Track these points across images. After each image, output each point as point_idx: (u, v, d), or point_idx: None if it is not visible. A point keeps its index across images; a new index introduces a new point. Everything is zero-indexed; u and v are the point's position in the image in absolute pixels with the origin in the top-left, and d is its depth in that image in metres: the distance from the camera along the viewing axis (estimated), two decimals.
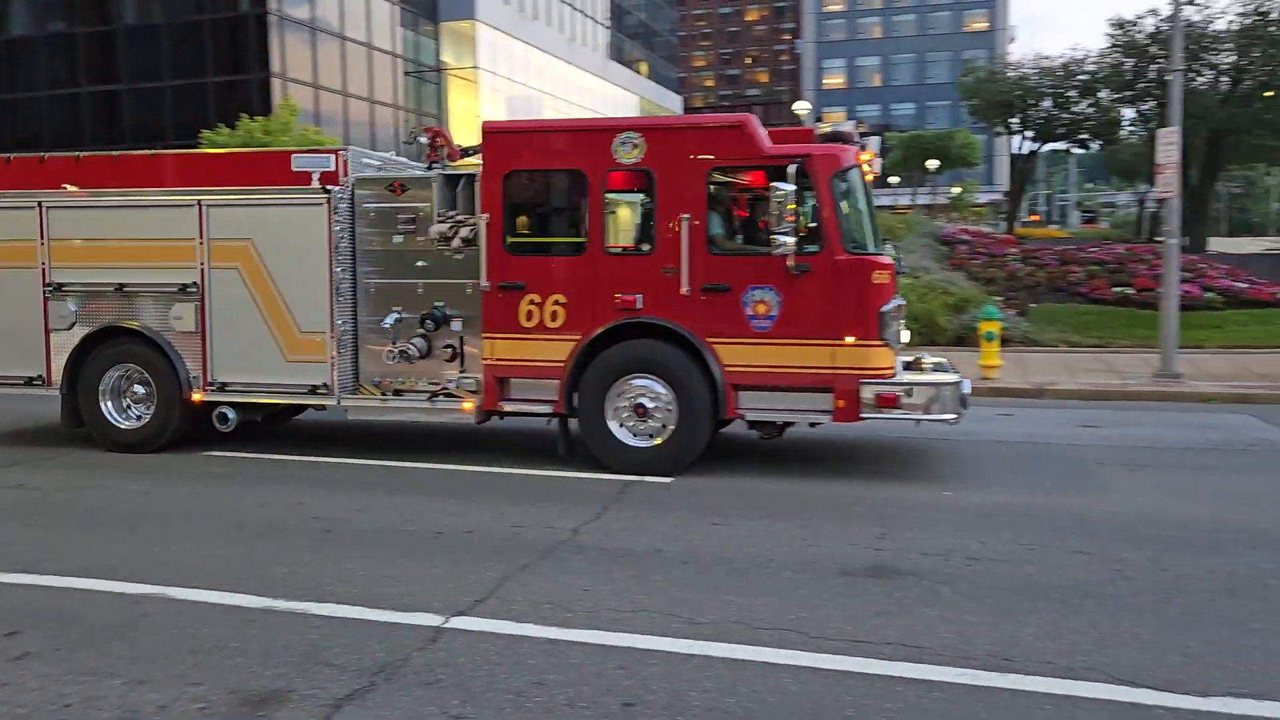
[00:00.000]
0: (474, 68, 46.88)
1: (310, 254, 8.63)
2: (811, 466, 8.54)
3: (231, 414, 8.98)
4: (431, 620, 4.96)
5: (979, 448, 9.29)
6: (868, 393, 7.75)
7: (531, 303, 8.24)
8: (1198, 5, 24.32)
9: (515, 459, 8.71)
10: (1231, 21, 24.89)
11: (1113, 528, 6.58)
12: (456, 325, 8.48)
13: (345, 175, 8.71)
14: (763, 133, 8.00)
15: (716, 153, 7.95)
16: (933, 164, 60.04)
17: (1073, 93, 38.85)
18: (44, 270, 9.25)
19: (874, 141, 8.51)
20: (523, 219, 8.41)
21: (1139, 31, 25.83)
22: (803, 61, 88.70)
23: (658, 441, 8.10)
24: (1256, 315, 18.40)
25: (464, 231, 8.38)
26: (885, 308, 7.80)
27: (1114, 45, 27.73)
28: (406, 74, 43.37)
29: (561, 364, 8.18)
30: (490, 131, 8.56)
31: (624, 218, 8.40)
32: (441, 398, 8.56)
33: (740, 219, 8.39)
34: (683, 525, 6.72)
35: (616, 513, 7.07)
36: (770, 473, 8.30)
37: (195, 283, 8.93)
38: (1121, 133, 40.84)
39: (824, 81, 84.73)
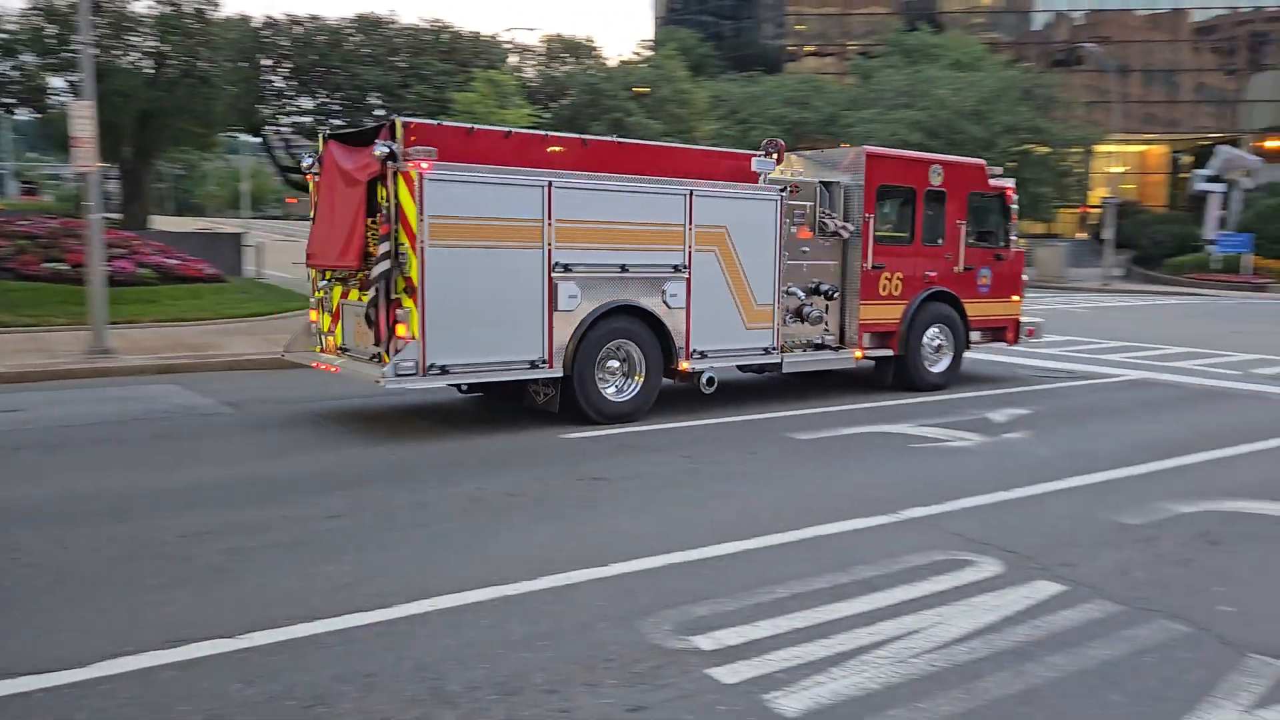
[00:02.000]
0: None
1: (764, 239, 10.45)
2: None
3: (715, 378, 10.18)
4: None
5: None
6: (1024, 328, 13.17)
7: (885, 278, 11.53)
8: None
9: None
10: (151, 6, 25.74)
11: (18, 515, 6.26)
12: (835, 296, 11.19)
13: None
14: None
15: (970, 182, 12.39)
16: None
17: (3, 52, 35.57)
18: (549, 251, 8.92)
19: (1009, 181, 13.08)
20: (883, 219, 11.66)
21: None
22: None
23: (942, 369, 12.27)
24: (188, 290, 19.60)
25: (850, 225, 11.18)
26: (1025, 277, 13.27)
27: (35, 7, 26.22)
28: None
29: (897, 321, 11.69)
30: (872, 155, 11.47)
31: (929, 221, 12.02)
32: (830, 350, 11.26)
33: (977, 224, 12.64)
34: None
35: None
36: None
37: (685, 263, 9.84)
38: (51, 102, 38.88)
39: None
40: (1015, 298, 13.03)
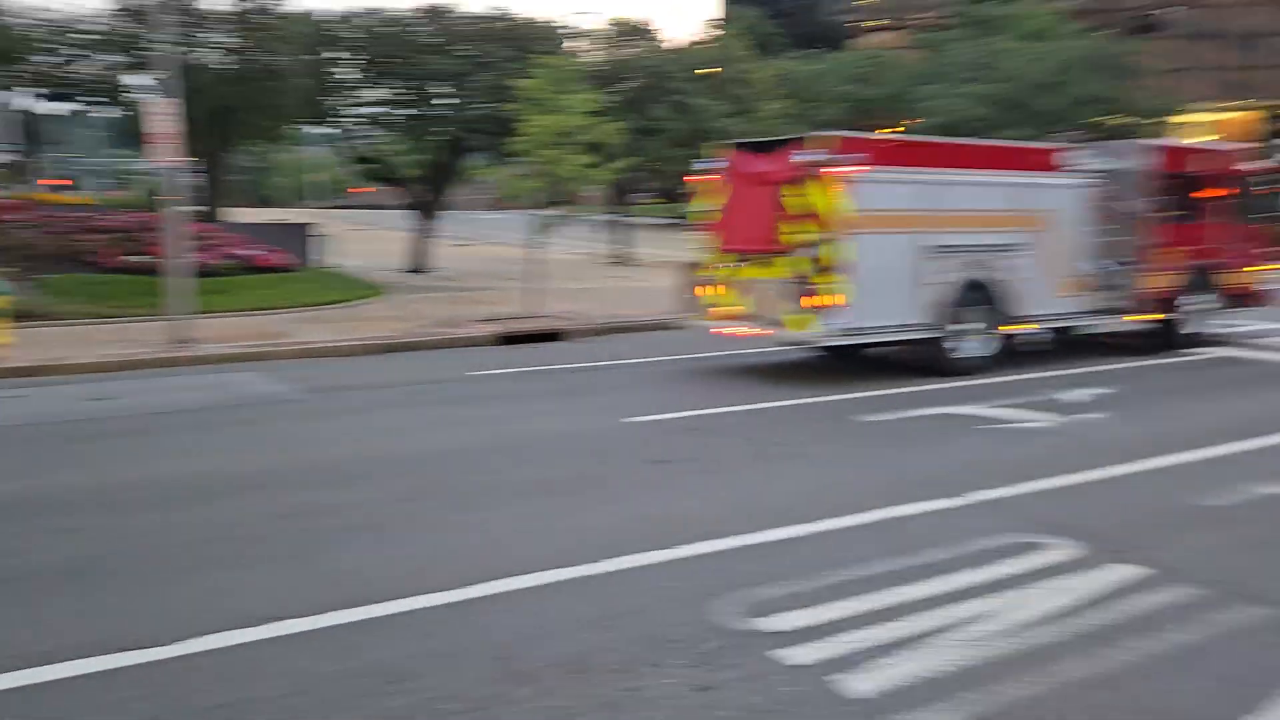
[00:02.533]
0: None
1: (1076, 222, 12.32)
2: None
3: (1048, 338, 12.76)
4: None
5: None
6: (1261, 294, 14.57)
7: (1163, 253, 12.94)
8: None
9: None
10: (233, 3, 26.33)
11: (108, 499, 6.53)
12: (1124, 268, 12.74)
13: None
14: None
15: (1226, 166, 13.98)
16: None
17: (82, 51, 36.65)
18: (929, 235, 10.99)
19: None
20: (1160, 201, 12.85)
21: None
22: None
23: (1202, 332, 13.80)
24: (265, 280, 20.10)
25: (1137, 207, 12.71)
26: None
27: (123, 9, 27.00)
28: None
29: (1171, 289, 13.15)
30: (1154, 148, 13.22)
31: (1196, 202, 13.43)
32: (1117, 315, 12.94)
33: (1232, 204, 13.89)
34: None
35: None
36: None
37: (1019, 242, 11.75)
38: (133, 99, 39.85)
39: None
40: (1262, 267, 14.60)
